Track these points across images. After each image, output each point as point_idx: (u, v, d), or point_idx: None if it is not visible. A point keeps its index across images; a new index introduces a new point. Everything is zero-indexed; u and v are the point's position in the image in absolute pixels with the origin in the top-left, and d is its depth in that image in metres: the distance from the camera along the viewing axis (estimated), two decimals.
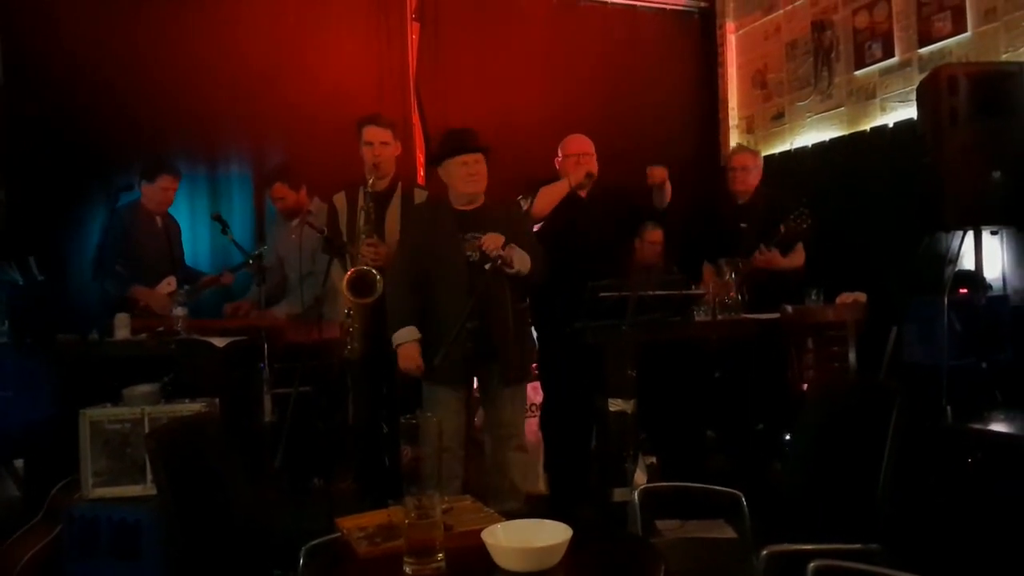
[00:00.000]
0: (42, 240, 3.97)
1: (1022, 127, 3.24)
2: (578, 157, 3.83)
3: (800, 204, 3.95)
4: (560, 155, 3.93)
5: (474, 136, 3.23)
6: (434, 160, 3.25)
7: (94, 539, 2.76)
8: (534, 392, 4.08)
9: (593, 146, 3.90)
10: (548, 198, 3.72)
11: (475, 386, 3.41)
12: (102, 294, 3.72)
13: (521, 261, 3.08)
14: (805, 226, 3.89)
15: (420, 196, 3.57)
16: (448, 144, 3.22)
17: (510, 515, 1.75)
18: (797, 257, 4.13)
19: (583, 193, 3.81)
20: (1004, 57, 3.91)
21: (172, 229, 4.31)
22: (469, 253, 3.08)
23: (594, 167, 3.82)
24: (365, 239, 3.36)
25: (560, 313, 3.43)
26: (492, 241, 3.02)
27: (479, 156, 3.15)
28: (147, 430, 2.77)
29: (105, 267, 3.75)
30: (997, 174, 3.17)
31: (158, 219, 4.19)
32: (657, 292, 3.28)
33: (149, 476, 2.73)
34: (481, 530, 1.54)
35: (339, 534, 1.73)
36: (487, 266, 2.98)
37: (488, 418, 3.34)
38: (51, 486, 3.01)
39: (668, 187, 3.79)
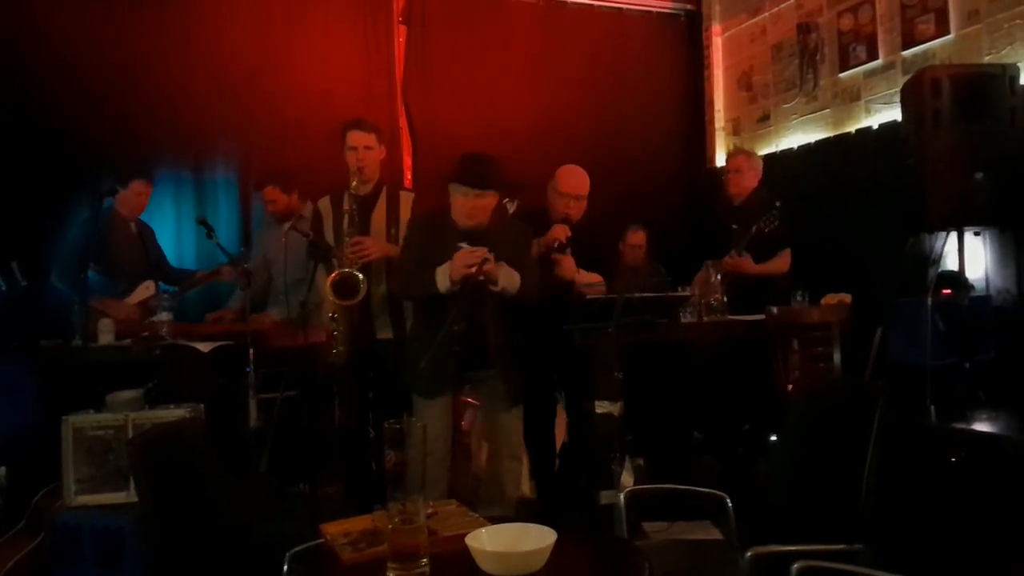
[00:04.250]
0: (25, 245, 3.93)
1: (1005, 129, 3.27)
2: (568, 200, 3.61)
3: (773, 206, 3.97)
4: (551, 189, 3.68)
5: (490, 168, 2.99)
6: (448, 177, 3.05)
7: (77, 547, 2.73)
8: None
9: (588, 182, 3.67)
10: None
11: (466, 390, 3.39)
12: (62, 295, 3.69)
13: (508, 279, 2.96)
14: (768, 229, 3.92)
15: (406, 199, 3.56)
16: (456, 168, 3.02)
17: (495, 520, 1.75)
18: (782, 262, 4.14)
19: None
20: (987, 59, 3.94)
21: (146, 234, 4.28)
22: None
23: (580, 209, 3.64)
24: (349, 240, 3.35)
25: (545, 316, 3.42)
26: (464, 258, 2.85)
27: (484, 193, 2.96)
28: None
29: (70, 271, 3.70)
30: (980, 175, 3.20)
31: (132, 225, 4.16)
32: (643, 294, 3.28)
33: (132, 483, 2.71)
34: (466, 535, 1.54)
35: (323, 540, 1.72)
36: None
37: (487, 427, 3.32)
38: (34, 493, 3.00)
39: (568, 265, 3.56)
